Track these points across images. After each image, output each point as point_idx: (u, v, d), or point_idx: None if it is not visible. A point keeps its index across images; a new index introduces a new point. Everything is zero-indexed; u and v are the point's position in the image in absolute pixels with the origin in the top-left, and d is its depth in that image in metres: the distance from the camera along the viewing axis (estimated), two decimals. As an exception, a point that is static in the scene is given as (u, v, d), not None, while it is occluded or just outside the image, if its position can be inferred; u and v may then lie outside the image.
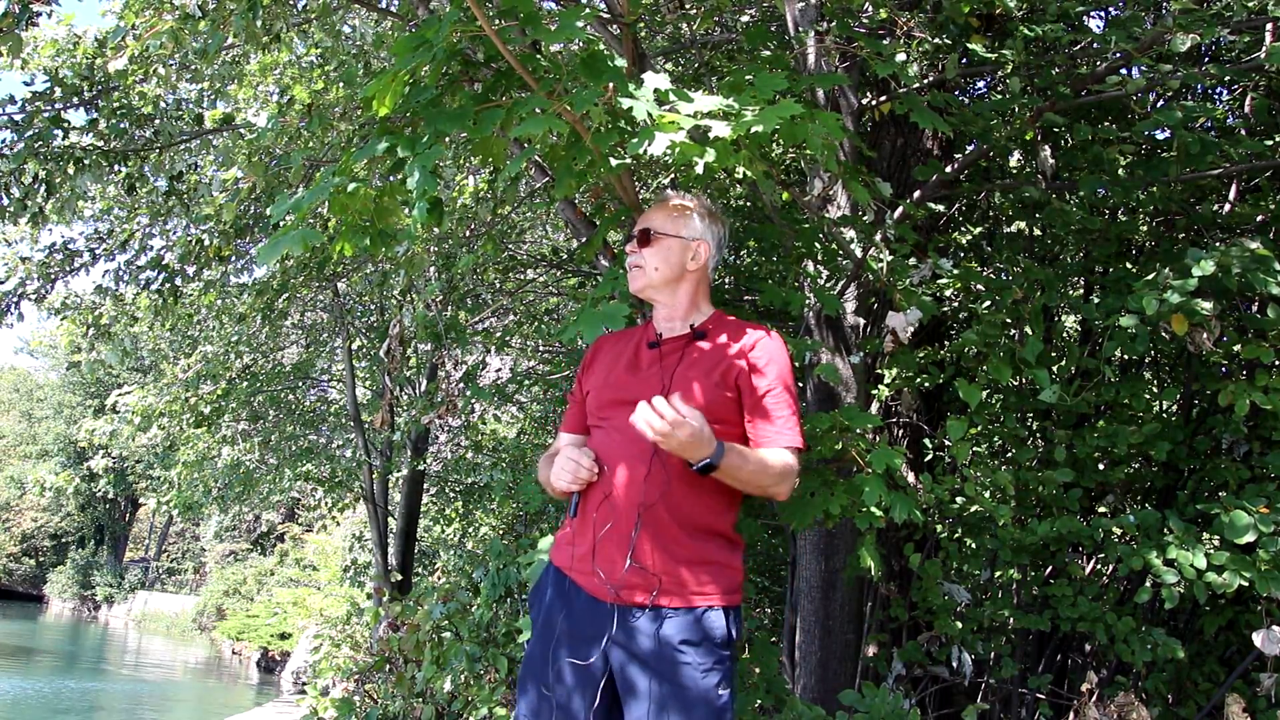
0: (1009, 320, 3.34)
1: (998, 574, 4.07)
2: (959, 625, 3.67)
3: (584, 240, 3.26)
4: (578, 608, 1.91)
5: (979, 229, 4.91)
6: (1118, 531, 3.37)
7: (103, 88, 4.75)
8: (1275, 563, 2.90)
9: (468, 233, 5.85)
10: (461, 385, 6.25)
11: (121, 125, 4.79)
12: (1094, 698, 3.24)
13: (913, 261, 3.31)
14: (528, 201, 6.20)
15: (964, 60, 3.41)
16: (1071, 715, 3.44)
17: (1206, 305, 2.81)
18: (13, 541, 33.97)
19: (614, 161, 2.17)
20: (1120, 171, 3.81)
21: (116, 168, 5.03)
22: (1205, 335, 2.92)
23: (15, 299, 5.84)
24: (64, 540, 34.35)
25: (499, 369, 9.36)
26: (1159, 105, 4.04)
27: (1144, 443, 3.45)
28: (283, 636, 19.04)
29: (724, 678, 1.86)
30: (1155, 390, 4.20)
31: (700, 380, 1.94)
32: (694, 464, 1.80)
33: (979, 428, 3.83)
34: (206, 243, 5.22)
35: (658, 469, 1.88)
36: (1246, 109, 3.96)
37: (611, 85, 1.94)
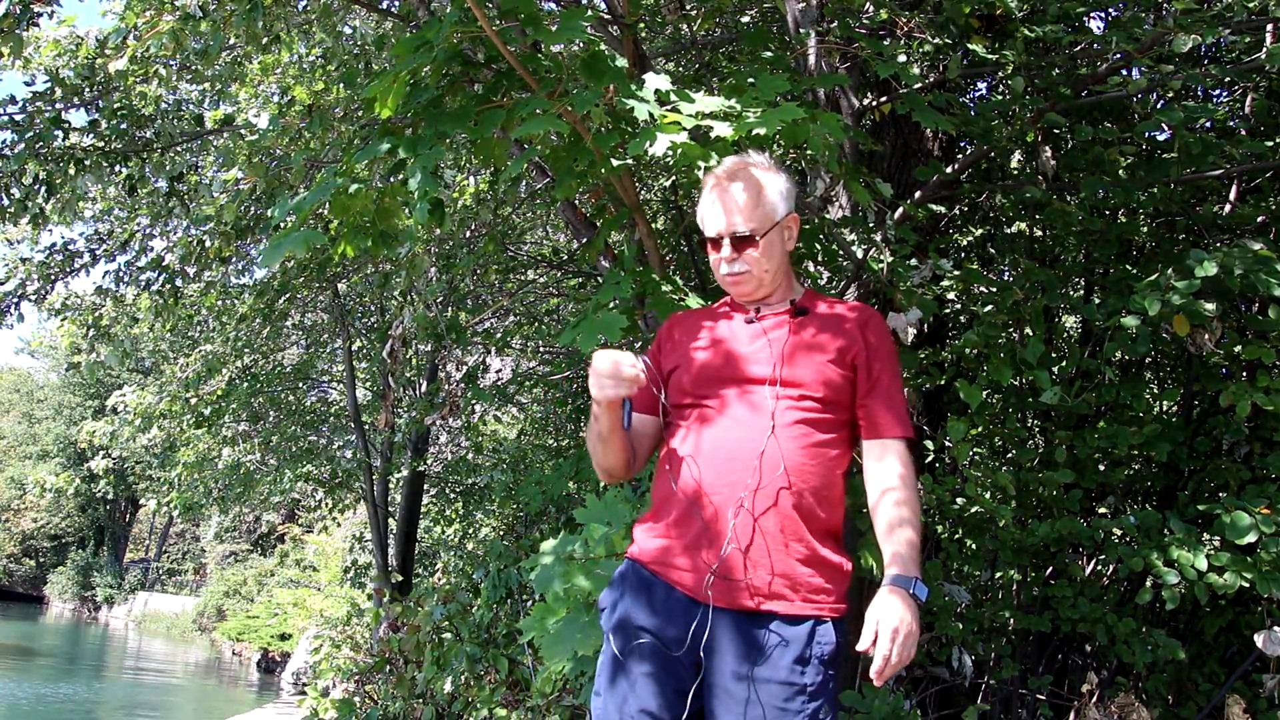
0: (1010, 321, 3.34)
1: (998, 575, 4.07)
2: (959, 626, 3.66)
3: (585, 241, 3.26)
4: (667, 606, 1.69)
5: (980, 230, 4.91)
6: (1118, 532, 3.37)
7: (103, 88, 4.76)
8: (1276, 564, 2.90)
9: (468, 234, 5.85)
10: (462, 386, 6.25)
11: (122, 126, 4.79)
12: (1094, 699, 3.23)
13: (913, 262, 3.31)
14: (528, 202, 6.20)
15: (965, 61, 3.41)
16: (1072, 716, 3.44)
17: (1209, 306, 2.81)
18: (13, 542, 33.96)
19: (615, 162, 2.17)
20: (1121, 172, 3.80)
21: (117, 168, 5.03)
22: (1207, 336, 2.92)
23: (15, 299, 5.84)
24: (64, 541, 34.34)
25: (500, 370, 9.35)
26: (1160, 106, 4.04)
27: (1145, 444, 3.45)
28: (283, 637, 19.03)
29: (829, 701, 1.66)
30: (1156, 391, 4.19)
31: (817, 358, 1.74)
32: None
33: (980, 428, 3.82)
34: (207, 244, 5.22)
35: (774, 453, 1.66)
36: (1247, 109, 3.96)
37: (612, 86, 1.94)
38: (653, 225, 4.07)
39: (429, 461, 10.82)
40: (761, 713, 1.60)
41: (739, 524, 1.64)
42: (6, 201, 4.64)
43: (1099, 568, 3.85)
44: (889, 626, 1.58)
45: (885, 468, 1.75)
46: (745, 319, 1.84)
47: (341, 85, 5.02)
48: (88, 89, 4.73)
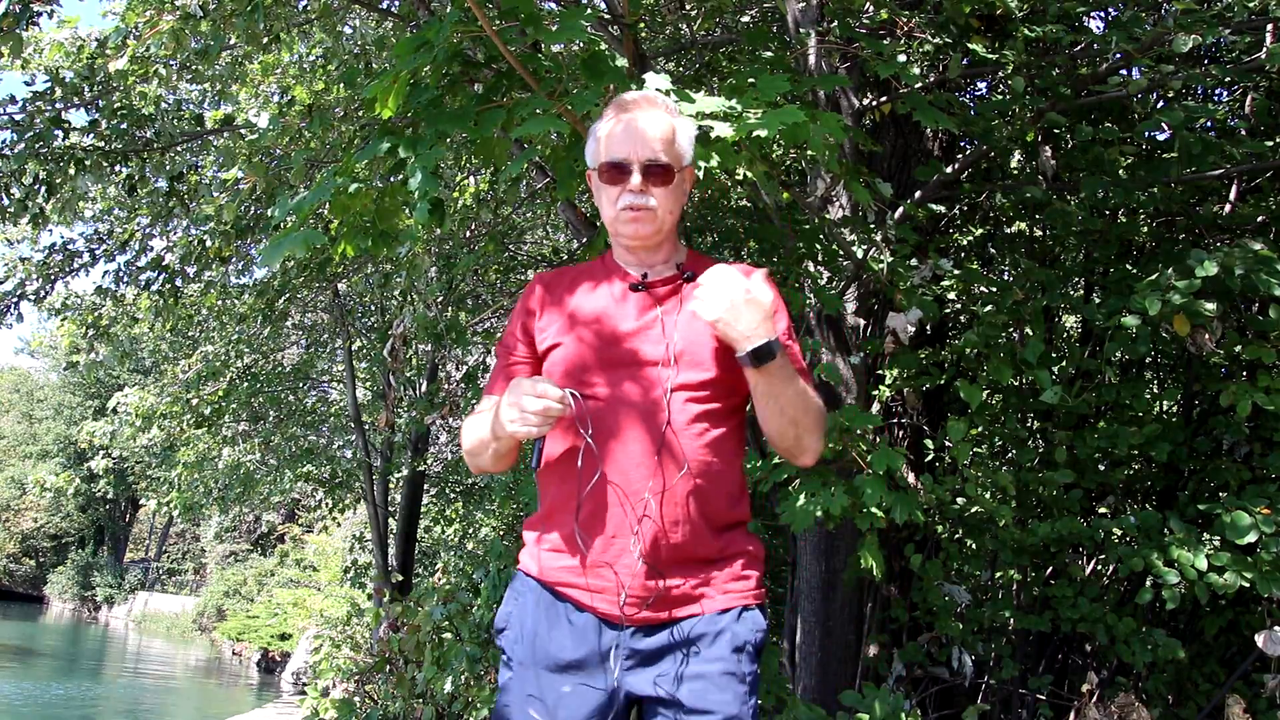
0: (1010, 321, 3.34)
1: (998, 575, 4.07)
2: (959, 626, 3.66)
3: (585, 241, 3.26)
4: (576, 630, 1.55)
5: (980, 230, 4.91)
6: (1118, 532, 3.37)
7: (103, 88, 4.76)
8: (1276, 564, 2.90)
9: (468, 234, 5.85)
10: (462, 386, 6.25)
11: (122, 126, 4.79)
12: (1094, 699, 3.24)
13: (914, 262, 3.31)
14: (529, 202, 6.20)
15: (965, 61, 3.41)
16: (1072, 716, 3.44)
17: (1210, 306, 2.82)
18: (13, 542, 33.96)
19: (615, 162, 2.17)
20: (1121, 172, 3.81)
21: (117, 168, 5.03)
22: (1207, 336, 2.92)
23: (15, 299, 5.84)
24: (64, 541, 34.34)
25: (499, 370, 9.33)
26: (1160, 106, 4.04)
27: (1145, 443, 3.45)
28: (283, 637, 19.04)
29: (755, 689, 1.55)
30: (1156, 391, 4.20)
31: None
32: (750, 348, 1.47)
33: (980, 428, 3.82)
34: (207, 244, 5.22)
35: (672, 444, 1.52)
36: (1247, 109, 3.96)
37: (612, 86, 1.94)
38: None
39: (429, 461, 10.82)
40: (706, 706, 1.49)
41: (644, 532, 1.50)
42: (6, 201, 4.64)
43: (1099, 568, 3.85)
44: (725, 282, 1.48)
45: None
46: (630, 285, 1.63)
47: (341, 85, 5.03)
48: (88, 89, 4.73)
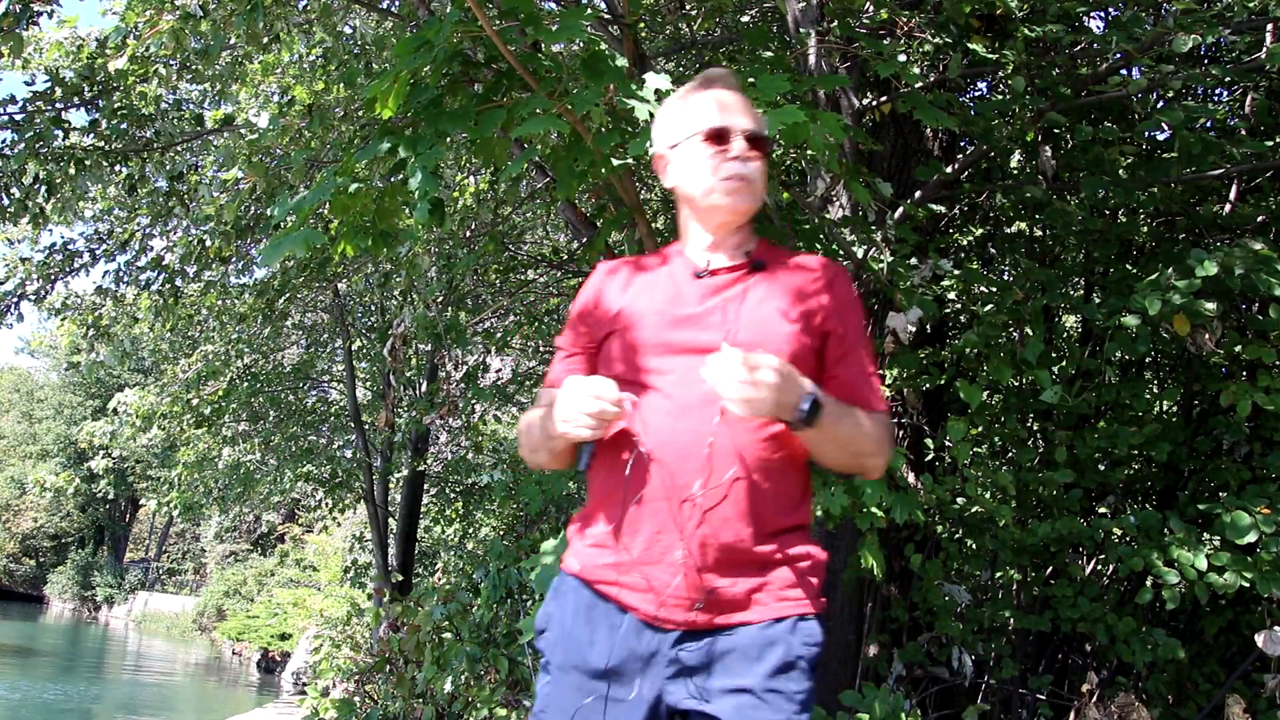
0: (1010, 321, 3.34)
1: (998, 575, 4.07)
2: (959, 626, 3.66)
3: (585, 241, 3.26)
4: (616, 632, 1.45)
5: (980, 230, 4.91)
6: (1118, 532, 3.37)
7: (103, 88, 4.76)
8: (1276, 564, 2.90)
9: (468, 234, 5.85)
10: (462, 386, 6.25)
11: (122, 126, 4.79)
12: (1094, 698, 3.24)
13: (914, 262, 3.31)
14: (529, 202, 6.20)
15: (965, 61, 3.41)
16: (1072, 716, 3.44)
17: (1210, 306, 2.82)
18: (13, 542, 33.97)
19: (615, 162, 2.17)
20: (1121, 172, 3.81)
21: (117, 168, 5.03)
22: (1207, 336, 2.92)
23: (15, 299, 5.84)
24: (64, 541, 34.35)
25: (500, 370, 9.36)
26: (1160, 106, 4.04)
27: (1145, 443, 3.45)
28: (283, 637, 19.04)
29: (807, 708, 1.42)
30: (1156, 391, 4.19)
31: (780, 323, 1.48)
32: (790, 419, 1.37)
33: (980, 428, 3.82)
34: (207, 244, 5.22)
35: (727, 445, 1.42)
36: (1247, 109, 3.96)
37: (612, 86, 1.94)
38: (653, 225, 4.07)
39: (429, 461, 10.82)
40: None
41: (692, 531, 1.40)
42: (6, 201, 4.65)
43: (1099, 568, 3.85)
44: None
45: None
46: (693, 273, 1.54)
47: (341, 85, 5.03)
48: (88, 89, 4.73)
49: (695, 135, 1.53)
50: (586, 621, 1.48)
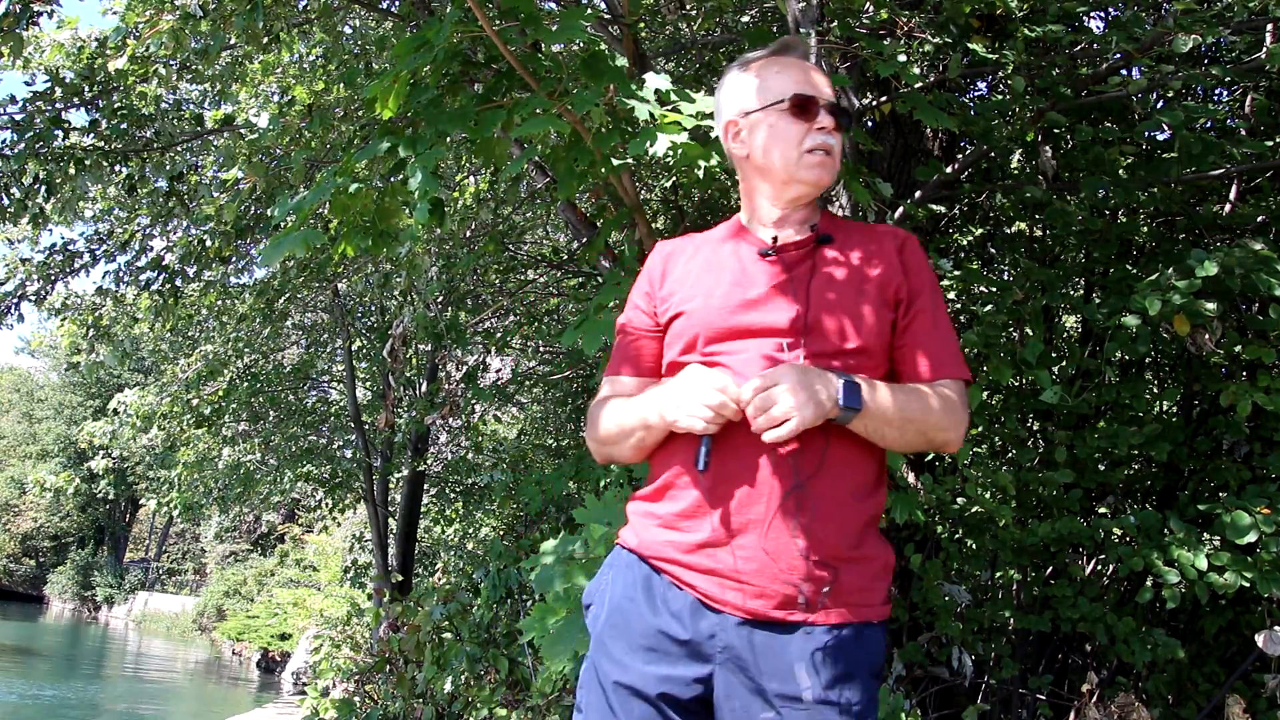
0: (1010, 321, 3.34)
1: (998, 574, 4.07)
2: (959, 626, 3.66)
3: (585, 241, 3.26)
4: (670, 610, 1.38)
5: (980, 230, 4.91)
6: (1118, 532, 3.37)
7: (103, 88, 4.76)
8: (1276, 563, 2.90)
9: (468, 234, 5.85)
10: (462, 386, 6.25)
11: (122, 126, 4.79)
12: (1094, 698, 3.24)
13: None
14: (529, 202, 6.20)
15: (965, 61, 3.41)
16: (1072, 716, 3.43)
17: (1210, 306, 2.82)
18: (13, 542, 33.98)
19: (615, 162, 2.17)
20: (1121, 172, 3.81)
21: (117, 168, 5.03)
22: (1207, 336, 2.92)
23: (15, 299, 5.85)
24: (64, 541, 34.36)
25: (500, 370, 9.36)
26: (1160, 106, 4.04)
27: (1145, 443, 3.45)
28: (283, 637, 19.05)
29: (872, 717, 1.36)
30: (1156, 391, 4.19)
31: (851, 297, 1.42)
32: (835, 415, 1.32)
33: (980, 428, 3.83)
34: (207, 244, 5.22)
35: (812, 426, 1.32)
36: (1247, 109, 3.96)
37: (612, 86, 1.94)
38: (653, 225, 4.07)
39: (429, 461, 10.82)
40: None
41: (766, 517, 1.34)
42: (6, 201, 4.65)
43: (1099, 568, 3.85)
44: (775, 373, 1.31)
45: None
46: (759, 251, 1.47)
47: (341, 85, 5.03)
48: (88, 89, 4.73)
49: (779, 103, 1.46)
50: (643, 592, 1.41)
